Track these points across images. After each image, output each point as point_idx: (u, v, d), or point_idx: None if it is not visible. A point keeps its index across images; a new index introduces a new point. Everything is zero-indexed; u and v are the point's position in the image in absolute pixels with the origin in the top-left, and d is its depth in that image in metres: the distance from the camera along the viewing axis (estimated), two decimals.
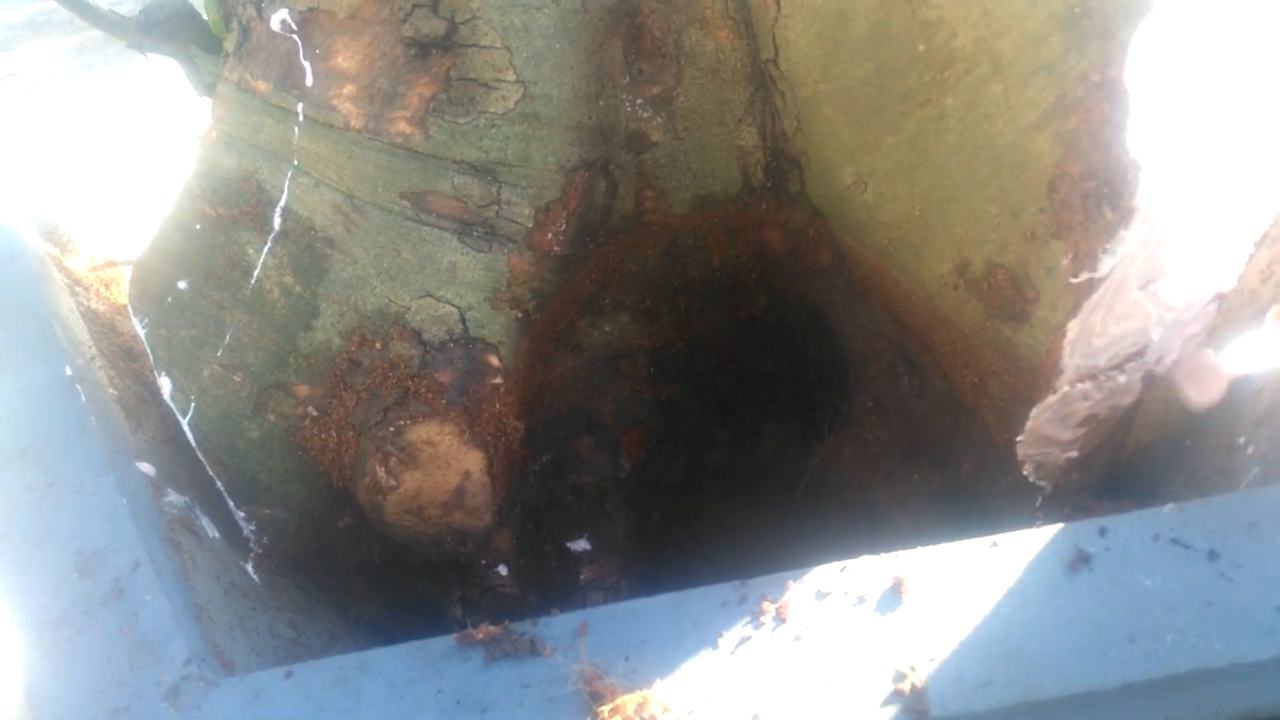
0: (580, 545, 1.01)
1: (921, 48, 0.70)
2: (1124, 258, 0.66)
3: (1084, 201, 0.64)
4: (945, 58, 0.69)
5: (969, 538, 0.65)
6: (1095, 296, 0.68)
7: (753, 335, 1.08)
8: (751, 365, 1.09)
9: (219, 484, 0.83)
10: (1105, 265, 0.66)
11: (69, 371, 0.87)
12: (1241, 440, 0.74)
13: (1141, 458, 0.90)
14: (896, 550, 0.65)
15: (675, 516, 1.15)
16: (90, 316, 1.05)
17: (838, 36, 0.75)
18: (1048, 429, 0.78)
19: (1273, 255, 0.84)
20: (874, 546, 0.67)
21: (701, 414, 1.11)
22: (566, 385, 1.01)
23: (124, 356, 1.03)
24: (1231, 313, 0.85)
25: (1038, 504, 0.87)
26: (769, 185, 0.95)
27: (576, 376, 1.02)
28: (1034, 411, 0.76)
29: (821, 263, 0.98)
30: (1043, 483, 0.84)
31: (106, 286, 1.20)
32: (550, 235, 0.86)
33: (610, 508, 1.04)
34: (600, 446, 1.03)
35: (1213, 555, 0.59)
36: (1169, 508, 0.62)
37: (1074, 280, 0.67)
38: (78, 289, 1.12)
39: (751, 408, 1.12)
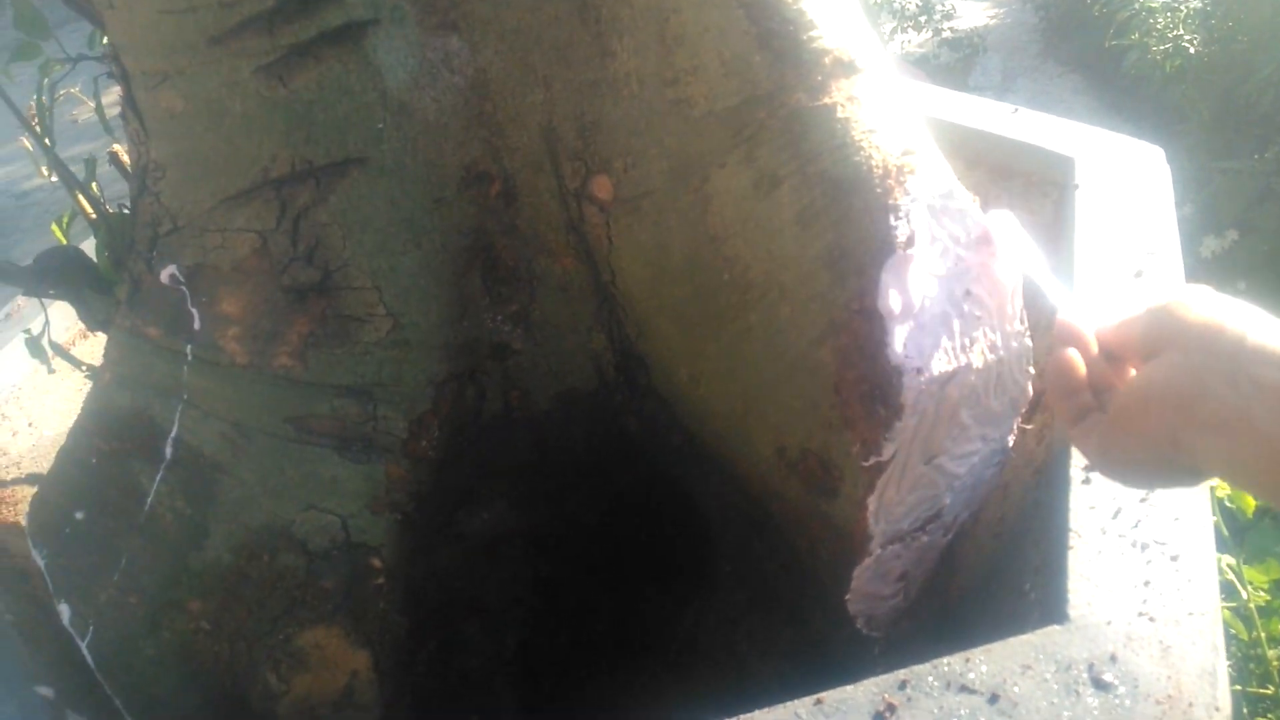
0: None
1: (726, 276, 0.84)
2: (903, 442, 0.79)
3: (861, 401, 0.77)
4: (745, 284, 0.83)
5: (823, 686, 0.74)
6: (886, 475, 0.80)
7: (622, 510, 1.18)
8: (624, 538, 1.19)
9: (118, 701, 0.88)
10: (888, 450, 0.79)
11: None
12: (1027, 586, 0.86)
13: (963, 602, 1.03)
14: (755, 702, 0.73)
15: (564, 687, 1.21)
16: None
17: (661, 265, 0.89)
18: (869, 587, 0.90)
19: (1044, 421, 0.99)
20: (740, 701, 0.76)
21: (582, 587, 1.20)
22: (449, 573, 1.09)
23: (18, 578, 1.07)
24: (1015, 471, 0.99)
25: (877, 652, 0.98)
26: (621, 380, 1.07)
27: (458, 563, 1.09)
28: (855, 572, 0.88)
29: (674, 443, 1.10)
30: (876, 634, 0.95)
31: None
32: (425, 442, 0.95)
33: (498, 688, 1.10)
34: (485, 629, 1.10)
35: (993, 698, 0.70)
36: (958, 656, 0.73)
37: (865, 464, 0.79)
38: None
39: (629, 578, 1.21)
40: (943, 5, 4.59)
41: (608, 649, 1.21)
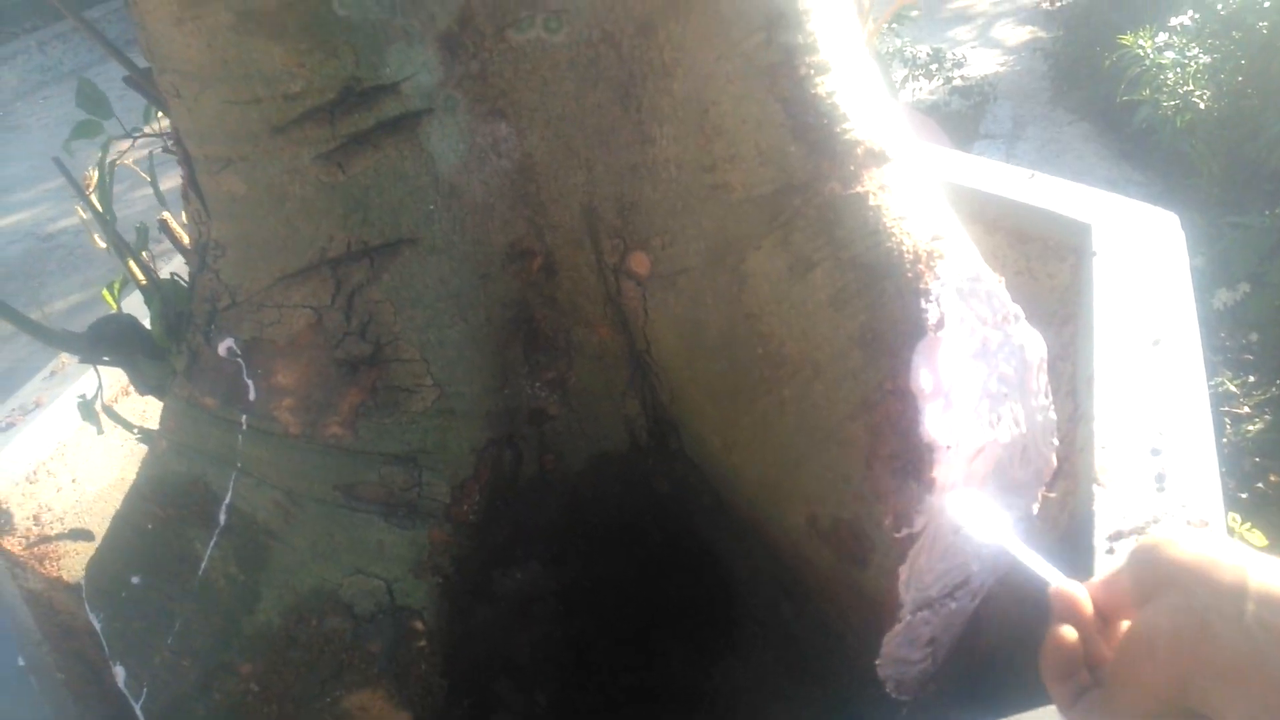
0: None
1: (760, 351, 0.88)
2: (934, 514, 0.82)
3: (893, 475, 0.80)
4: (779, 360, 0.87)
5: None
6: (917, 545, 0.83)
7: (652, 569, 1.20)
8: (654, 597, 1.21)
9: None
10: (919, 522, 0.81)
11: (21, 662, 0.94)
12: None
13: (989, 663, 1.05)
14: None
15: None
16: (32, 599, 1.12)
17: (696, 339, 0.93)
18: (899, 652, 0.92)
19: (1066, 488, 1.02)
20: None
21: (612, 645, 1.22)
22: (483, 632, 1.11)
23: (64, 635, 1.10)
24: (1040, 538, 1.02)
25: (904, 713, 1.00)
26: (653, 444, 1.10)
27: (493, 623, 1.12)
28: (885, 638, 0.90)
29: (704, 505, 1.13)
30: (904, 697, 0.97)
31: (40, 562, 1.26)
32: (466, 507, 0.98)
33: None
34: (518, 687, 1.13)
35: None
36: None
37: (897, 535, 0.82)
38: (17, 570, 1.19)
39: (658, 636, 1.23)
40: (953, 54, 4.66)
41: (637, 706, 1.23)
